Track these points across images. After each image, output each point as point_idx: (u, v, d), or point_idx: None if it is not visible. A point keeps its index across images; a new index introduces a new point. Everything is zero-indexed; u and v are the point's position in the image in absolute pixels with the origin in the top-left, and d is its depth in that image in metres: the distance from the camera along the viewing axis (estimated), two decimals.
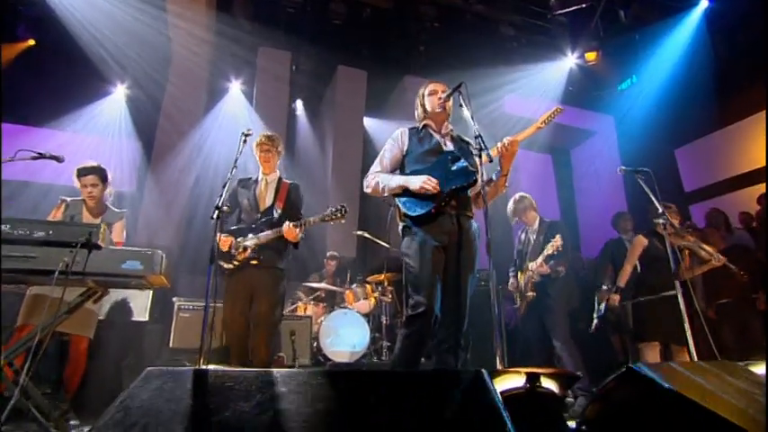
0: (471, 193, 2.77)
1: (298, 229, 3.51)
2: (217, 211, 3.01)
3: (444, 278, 2.60)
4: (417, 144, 2.83)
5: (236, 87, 7.53)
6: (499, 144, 2.56)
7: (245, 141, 3.34)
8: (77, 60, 5.71)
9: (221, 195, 3.05)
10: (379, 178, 2.78)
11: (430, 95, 2.90)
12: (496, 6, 8.25)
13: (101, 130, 6.35)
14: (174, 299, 4.89)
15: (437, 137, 2.85)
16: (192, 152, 6.61)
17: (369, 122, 8.20)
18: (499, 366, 2.32)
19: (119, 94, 6.72)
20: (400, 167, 2.88)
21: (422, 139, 2.84)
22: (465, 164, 2.61)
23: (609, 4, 7.70)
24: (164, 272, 2.77)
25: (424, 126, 2.90)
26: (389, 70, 7.77)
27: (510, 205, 4.78)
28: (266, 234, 3.60)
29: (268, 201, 3.76)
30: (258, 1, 7.16)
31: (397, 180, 2.72)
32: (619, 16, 8.01)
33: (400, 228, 2.75)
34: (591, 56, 8.33)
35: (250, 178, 3.92)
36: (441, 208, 2.61)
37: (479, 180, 2.50)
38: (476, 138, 2.50)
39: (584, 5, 6.68)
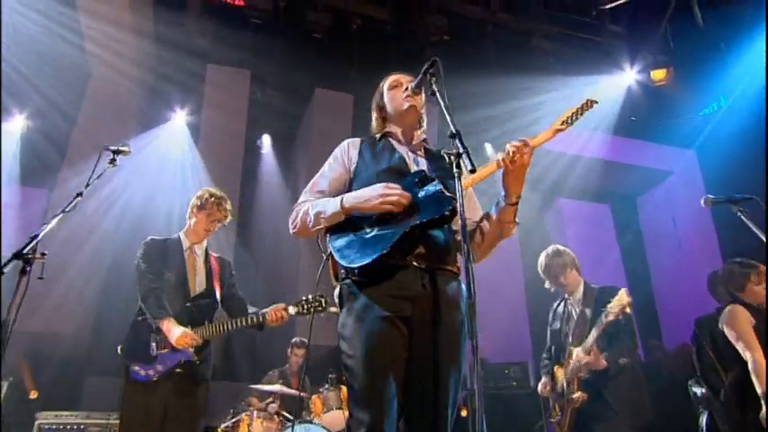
0: (455, 232, 2.31)
1: (287, 313, 3.49)
2: (17, 261, 2.34)
3: (408, 376, 2.10)
4: (372, 160, 2.41)
5: (180, 118, 7.09)
6: (499, 154, 2.11)
7: (112, 162, 2.94)
8: None
9: (34, 237, 2.42)
10: (307, 205, 2.33)
11: (392, 90, 2.55)
12: (527, 15, 7.93)
13: None
14: (39, 414, 4.33)
15: (401, 150, 2.46)
16: (108, 206, 6.04)
17: None
18: None
19: (14, 125, 6.24)
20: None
21: (379, 153, 2.44)
22: (438, 187, 2.18)
23: (680, 2, 7.17)
24: None
25: (384, 136, 2.52)
26: None
27: (542, 261, 4.13)
28: (227, 323, 3.47)
29: (200, 281, 3.58)
30: (213, 9, 6.90)
31: (336, 200, 2.24)
32: (695, 19, 7.43)
33: (336, 292, 2.29)
34: (659, 74, 7.80)
35: (169, 239, 3.66)
36: (401, 259, 2.13)
37: (460, 209, 1.93)
38: (451, 136, 2.01)
39: None
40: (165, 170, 6.29)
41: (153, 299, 3.35)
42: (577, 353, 3.78)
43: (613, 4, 6.08)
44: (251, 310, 3.58)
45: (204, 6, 6.87)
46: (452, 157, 1.97)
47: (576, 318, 3.95)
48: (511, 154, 2.07)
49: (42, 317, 5.61)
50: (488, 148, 7.66)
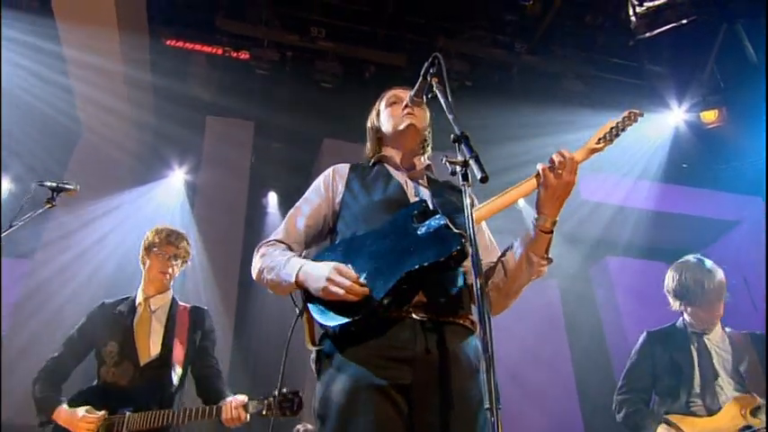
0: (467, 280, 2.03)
1: (245, 413, 2.90)
2: None
3: None
4: (362, 191, 2.17)
5: (178, 178, 6.89)
6: (539, 165, 1.91)
7: (49, 201, 2.70)
8: None
9: None
10: (268, 259, 2.04)
11: (390, 106, 2.36)
12: (557, 56, 7.78)
13: None
14: None
15: (399, 177, 2.23)
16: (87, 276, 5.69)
17: None
18: None
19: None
20: (329, 234, 2.21)
21: (371, 181, 2.22)
22: (442, 222, 1.91)
23: (728, 35, 6.88)
24: None
25: (379, 161, 2.32)
26: None
27: (680, 275, 3.42)
28: (161, 414, 2.87)
29: (155, 343, 3.11)
30: (217, 61, 6.94)
31: (293, 267, 1.94)
32: (747, 54, 7.14)
33: (312, 357, 1.98)
34: (709, 116, 7.47)
35: (125, 299, 3.28)
36: (396, 310, 1.83)
37: (471, 250, 1.64)
38: (455, 141, 1.77)
39: (684, 21, 5.81)
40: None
41: (42, 381, 2.96)
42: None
43: (652, 33, 5.80)
44: (229, 398, 3.00)
45: (208, 59, 6.90)
46: (458, 167, 1.68)
47: (718, 359, 3.29)
48: (557, 163, 1.85)
49: (15, 405, 5.13)
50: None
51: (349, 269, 1.82)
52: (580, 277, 7.52)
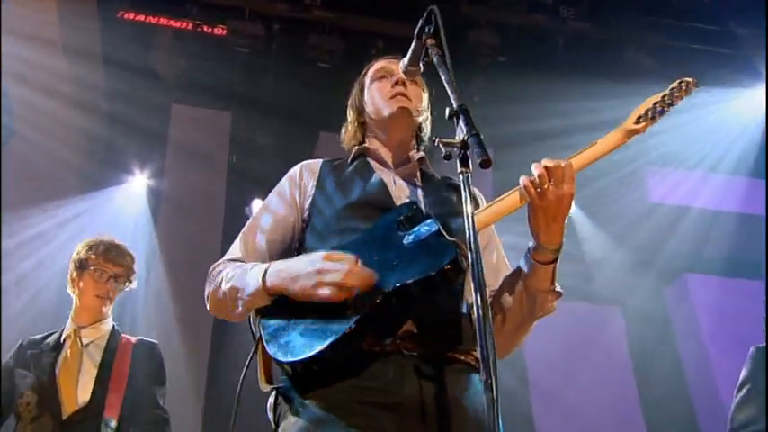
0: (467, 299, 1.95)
1: None
2: None
3: None
4: (336, 191, 2.06)
5: (139, 183, 6.49)
6: (522, 179, 1.76)
7: None
8: None
9: None
10: (226, 272, 1.89)
11: (377, 82, 2.23)
12: (614, 23, 7.25)
13: None
14: None
15: (384, 174, 2.10)
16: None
17: None
18: None
19: None
20: (299, 247, 2.06)
21: (347, 179, 2.10)
22: (433, 228, 1.79)
23: None
24: None
25: (360, 155, 2.20)
26: None
27: None
28: None
29: (83, 391, 2.92)
30: (187, 37, 6.56)
31: (258, 273, 1.78)
32: None
33: (270, 401, 1.85)
34: None
35: (51, 334, 3.14)
36: (376, 342, 1.73)
37: (471, 248, 1.49)
38: (451, 117, 1.60)
39: None
40: None
41: None
42: None
43: None
44: None
45: (175, 36, 6.52)
46: (454, 151, 1.53)
47: None
48: (538, 180, 1.70)
49: None
50: None
51: (342, 253, 1.72)
52: (651, 302, 7.10)
